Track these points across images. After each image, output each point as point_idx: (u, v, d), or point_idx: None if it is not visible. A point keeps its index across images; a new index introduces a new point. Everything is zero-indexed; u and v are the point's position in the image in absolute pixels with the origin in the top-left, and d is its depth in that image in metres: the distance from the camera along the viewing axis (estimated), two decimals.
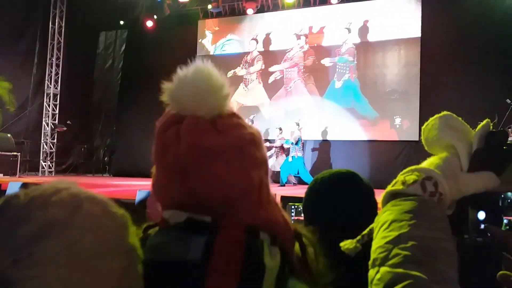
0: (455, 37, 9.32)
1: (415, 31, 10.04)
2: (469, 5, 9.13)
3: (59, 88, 11.92)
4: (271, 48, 11.77)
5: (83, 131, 12.83)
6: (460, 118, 0.73)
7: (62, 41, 11.91)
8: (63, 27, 11.90)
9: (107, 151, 13.42)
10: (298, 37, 11.41)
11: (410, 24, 10.10)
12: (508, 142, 0.64)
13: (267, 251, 0.70)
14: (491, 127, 0.67)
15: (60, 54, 11.91)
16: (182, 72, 0.79)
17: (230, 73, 11.92)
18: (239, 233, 0.70)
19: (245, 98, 11.80)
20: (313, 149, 10.85)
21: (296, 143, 9.59)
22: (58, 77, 11.93)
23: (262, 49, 11.85)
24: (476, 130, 0.68)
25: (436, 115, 0.74)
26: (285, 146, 9.94)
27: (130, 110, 12.51)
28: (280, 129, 10.15)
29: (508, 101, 6.84)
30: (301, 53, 11.34)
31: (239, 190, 0.73)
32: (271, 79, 11.61)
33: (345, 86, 10.78)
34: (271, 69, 11.64)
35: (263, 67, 11.76)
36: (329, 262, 0.98)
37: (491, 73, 8.75)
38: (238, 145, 0.74)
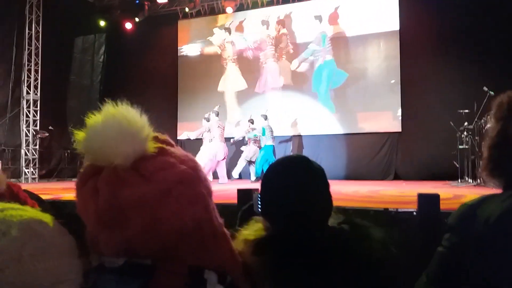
0: (432, 28, 9.48)
1: (394, 24, 10.15)
2: None
3: (38, 94, 11.74)
4: (249, 37, 11.73)
5: (65, 136, 12.64)
6: None
7: (40, 46, 11.72)
8: (40, 33, 11.71)
9: None
10: (273, 28, 11.49)
11: (388, 17, 10.21)
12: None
13: None
14: None
15: (38, 59, 11.72)
16: (92, 120, 0.72)
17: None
18: (178, 275, 0.68)
19: (223, 86, 11.84)
20: (299, 145, 10.92)
21: (262, 134, 9.77)
22: (37, 83, 11.74)
23: (242, 38, 11.81)
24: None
25: None
26: (249, 138, 10.07)
27: None
28: (252, 121, 10.22)
29: (485, 88, 6.96)
30: (278, 44, 11.39)
31: (173, 235, 0.69)
32: (248, 68, 11.62)
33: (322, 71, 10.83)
34: (248, 53, 11.68)
35: (236, 55, 11.78)
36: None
37: (468, 62, 8.94)
38: (164, 188, 0.69)
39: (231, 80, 11.78)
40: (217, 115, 9.83)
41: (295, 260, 1.14)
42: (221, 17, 12.13)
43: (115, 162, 0.68)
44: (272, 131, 9.84)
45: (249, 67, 11.62)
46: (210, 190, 0.80)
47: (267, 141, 9.70)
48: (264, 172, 1.37)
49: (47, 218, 0.65)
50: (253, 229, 1.26)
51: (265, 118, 9.94)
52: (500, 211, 0.77)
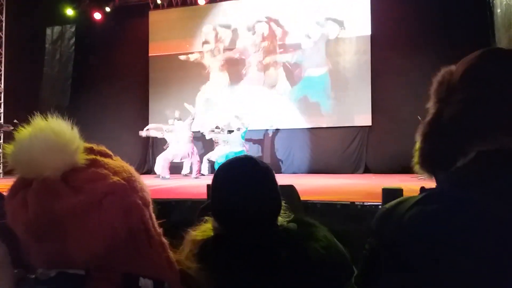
0: (403, 24, 9.60)
1: (365, 17, 10.22)
2: None
3: (2, 85, 11.32)
4: (234, 38, 11.52)
5: None
6: None
7: (3, 36, 11.28)
8: (4, 22, 11.26)
9: None
10: (257, 27, 11.31)
11: (360, 10, 10.28)
12: None
13: None
14: None
15: (1, 50, 11.29)
16: (21, 133, 0.73)
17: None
18: (112, 283, 0.69)
19: (207, 90, 11.61)
20: (272, 139, 10.93)
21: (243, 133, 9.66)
22: (1, 74, 11.32)
23: (226, 41, 11.59)
24: None
25: None
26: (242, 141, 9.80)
27: (83, 105, 12.08)
28: (218, 127, 9.99)
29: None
30: (262, 44, 11.24)
31: (105, 245, 0.70)
32: (233, 70, 11.42)
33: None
34: (229, 54, 11.47)
35: (224, 57, 11.56)
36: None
37: (437, 58, 9.10)
38: (94, 199, 0.70)
39: (214, 87, 11.51)
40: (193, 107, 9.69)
41: (240, 259, 1.12)
42: (198, 8, 11.91)
43: (44, 174, 0.69)
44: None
45: (234, 71, 11.37)
46: (147, 200, 0.81)
47: (242, 146, 9.45)
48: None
49: None
50: (201, 230, 1.25)
51: (240, 120, 9.78)
52: (411, 214, 0.76)
